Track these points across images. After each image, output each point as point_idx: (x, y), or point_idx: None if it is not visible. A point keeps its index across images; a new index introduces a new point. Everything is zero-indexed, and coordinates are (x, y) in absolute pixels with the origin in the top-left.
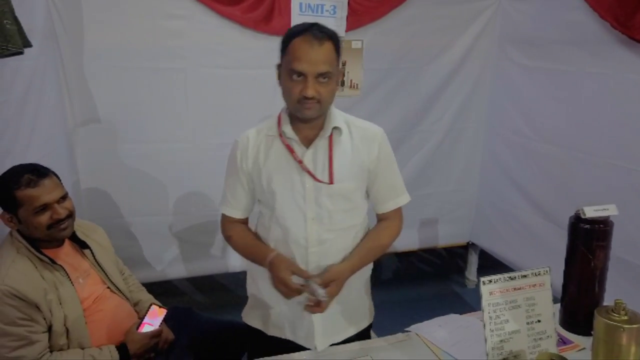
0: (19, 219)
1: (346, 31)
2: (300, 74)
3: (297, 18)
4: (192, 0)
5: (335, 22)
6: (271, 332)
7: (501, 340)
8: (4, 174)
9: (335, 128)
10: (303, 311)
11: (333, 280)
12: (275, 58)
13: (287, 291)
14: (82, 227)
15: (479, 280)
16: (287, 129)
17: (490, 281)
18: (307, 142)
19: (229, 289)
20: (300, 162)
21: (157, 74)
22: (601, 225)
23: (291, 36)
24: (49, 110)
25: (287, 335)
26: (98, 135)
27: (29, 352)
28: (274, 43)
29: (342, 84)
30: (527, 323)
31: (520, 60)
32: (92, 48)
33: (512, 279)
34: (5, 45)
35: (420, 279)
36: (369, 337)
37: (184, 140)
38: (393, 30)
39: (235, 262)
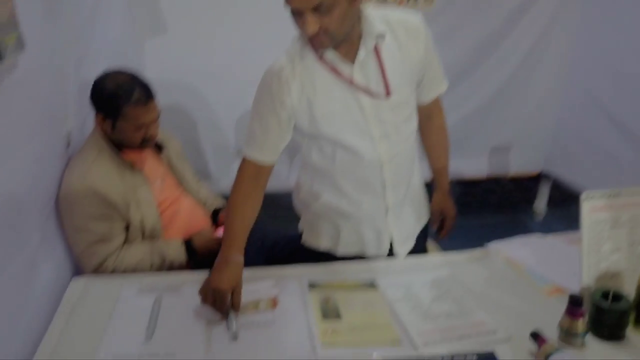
0: (115, 126)
1: None
2: (297, 13)
3: None
4: None
5: None
6: (341, 251)
7: (598, 260)
8: (110, 79)
9: (378, 35)
10: (381, 215)
11: (443, 214)
12: None
13: (218, 304)
14: (159, 132)
15: (548, 213)
16: (333, 55)
17: (593, 197)
18: (351, 58)
19: (291, 208)
20: (350, 81)
21: None
22: None
23: None
24: (118, 20)
25: (359, 249)
26: (166, 48)
27: (104, 249)
28: None
29: None
30: (629, 244)
31: None
32: None
33: (617, 195)
34: None
35: (486, 208)
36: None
37: (250, 56)
38: None
39: None
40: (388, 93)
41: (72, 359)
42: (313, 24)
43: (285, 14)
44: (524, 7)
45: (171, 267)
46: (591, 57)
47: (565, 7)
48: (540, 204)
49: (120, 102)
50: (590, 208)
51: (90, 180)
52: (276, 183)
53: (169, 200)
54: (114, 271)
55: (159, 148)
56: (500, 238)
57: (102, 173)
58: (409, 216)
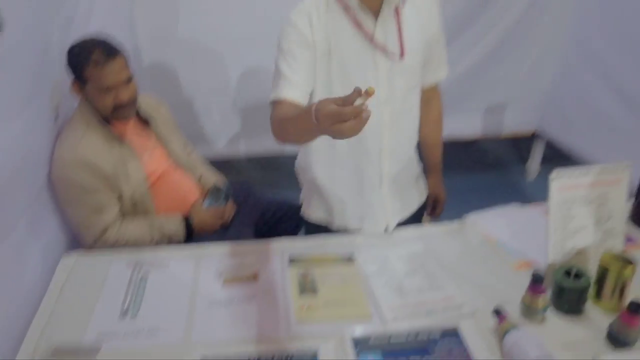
0: (87, 94)
1: None
2: None
3: None
4: None
5: None
6: (336, 225)
7: (565, 237)
8: (76, 44)
9: None
10: (375, 185)
11: (435, 202)
12: None
13: (352, 123)
14: (146, 102)
15: (541, 172)
16: (354, 1)
17: (562, 176)
18: (373, 13)
19: (286, 170)
20: (371, 38)
21: None
22: None
23: None
24: None
25: (354, 223)
26: (159, 7)
27: (101, 220)
28: None
29: None
30: (596, 221)
31: None
32: None
33: (586, 174)
34: None
35: (479, 167)
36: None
37: (246, 18)
38: None
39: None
40: (402, 54)
41: (62, 337)
42: None
43: None
44: None
45: (169, 243)
46: (589, 15)
47: None
48: (534, 164)
49: (81, 64)
50: (559, 186)
51: (81, 154)
52: (273, 145)
53: (157, 172)
54: (115, 244)
55: (146, 121)
56: (492, 199)
57: (92, 146)
58: (404, 192)
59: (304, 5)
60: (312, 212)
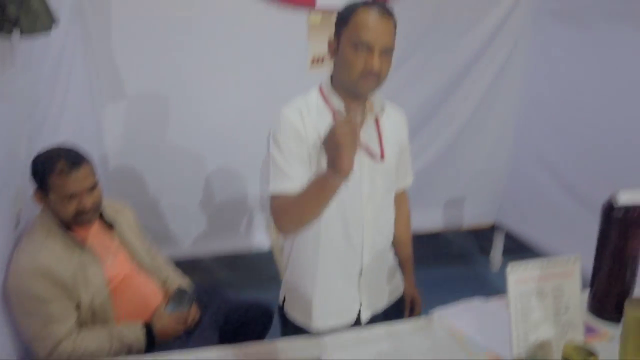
0: (49, 201)
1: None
2: (367, 45)
3: None
4: None
5: None
6: (314, 325)
7: (527, 331)
8: (42, 154)
9: (382, 107)
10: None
11: (412, 303)
12: (300, 34)
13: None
14: (110, 206)
15: (504, 263)
16: (341, 107)
17: (518, 269)
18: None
19: (253, 268)
20: None
21: (185, 50)
22: (636, 213)
23: (355, 7)
24: (78, 87)
25: (332, 321)
26: (126, 112)
27: (58, 330)
28: (300, 18)
29: None
30: (554, 313)
31: (558, 34)
32: (120, 23)
33: (540, 266)
34: (33, 24)
35: (444, 260)
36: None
37: (213, 116)
38: (421, 3)
39: (259, 241)
40: (383, 156)
41: None
42: (379, 62)
43: (241, 84)
44: (471, 65)
45: (129, 352)
46: (535, 114)
47: (510, 65)
48: (496, 255)
49: (45, 173)
50: (516, 280)
51: (39, 263)
52: (241, 243)
53: (120, 277)
54: (71, 356)
55: (109, 225)
56: (458, 291)
57: (51, 254)
58: (380, 285)
59: (296, 103)
60: (292, 311)
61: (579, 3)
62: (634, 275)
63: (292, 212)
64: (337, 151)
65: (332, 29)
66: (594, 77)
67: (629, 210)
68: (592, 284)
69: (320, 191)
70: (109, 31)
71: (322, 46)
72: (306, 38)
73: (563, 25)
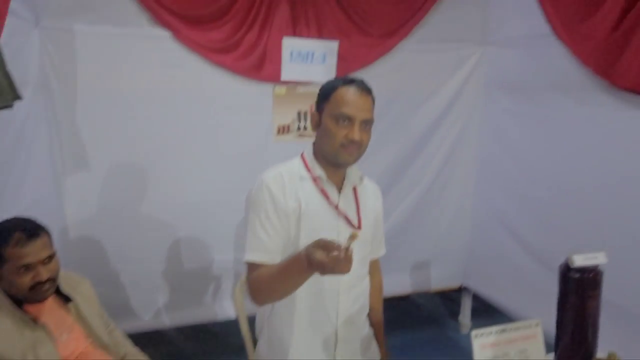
0: (2, 275)
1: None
2: (347, 118)
3: (287, 66)
4: (184, 48)
5: (325, 69)
6: None
7: None
8: None
9: (360, 177)
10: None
11: None
12: (266, 104)
13: (336, 257)
14: (67, 279)
15: (473, 325)
16: (322, 174)
17: (482, 335)
18: (337, 187)
19: (218, 338)
20: (336, 207)
21: (149, 121)
22: (591, 274)
23: (336, 85)
24: (40, 159)
25: None
26: (89, 183)
27: None
28: (265, 89)
29: None
30: None
31: (507, 105)
32: (85, 96)
33: (503, 331)
34: None
35: (415, 324)
36: None
37: (175, 186)
38: (381, 76)
39: (225, 309)
40: (360, 224)
41: None
42: (359, 133)
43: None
44: (430, 135)
45: None
46: (491, 178)
47: (466, 133)
48: (465, 317)
49: (0, 245)
50: (481, 345)
51: None
52: (204, 313)
53: (75, 354)
54: None
55: (66, 299)
56: (429, 354)
57: (0, 333)
58: (357, 355)
59: (277, 169)
60: None
61: (524, 77)
62: (595, 337)
63: (266, 287)
64: (331, 271)
65: (296, 100)
66: (540, 143)
67: (585, 271)
68: (556, 347)
69: (296, 275)
70: (74, 102)
71: (286, 116)
72: (271, 109)
73: (511, 96)
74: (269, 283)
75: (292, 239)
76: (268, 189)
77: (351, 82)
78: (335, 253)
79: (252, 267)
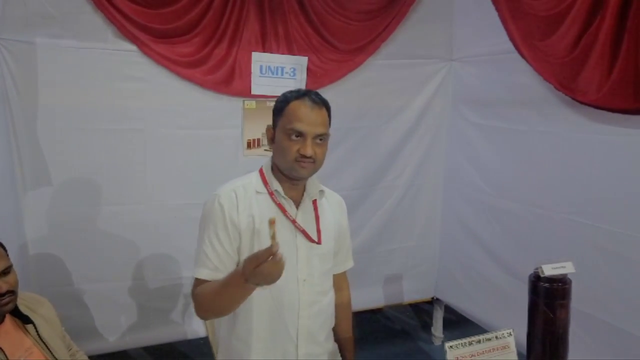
0: None
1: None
2: (299, 133)
3: (257, 80)
4: (151, 62)
5: (295, 84)
6: None
7: None
8: None
9: (320, 190)
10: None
11: None
12: (235, 118)
13: (269, 262)
14: (26, 300)
15: (445, 337)
16: (279, 188)
17: (456, 346)
18: (295, 203)
19: (188, 358)
20: (294, 221)
21: (114, 136)
22: (560, 284)
23: (289, 99)
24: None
25: None
26: (50, 199)
27: None
28: (235, 103)
29: None
30: None
31: (474, 119)
32: (47, 110)
33: (476, 342)
34: None
35: (387, 337)
36: None
37: (142, 202)
38: (351, 91)
39: (195, 327)
40: (319, 241)
41: None
42: (312, 148)
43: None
44: (399, 149)
45: None
46: (458, 191)
47: (434, 147)
48: (437, 329)
49: None
50: (455, 356)
51: None
52: (171, 332)
53: None
54: None
55: (24, 320)
56: None
57: None
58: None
59: (232, 184)
60: None
61: (490, 92)
62: (566, 346)
63: (208, 302)
64: (264, 280)
65: (266, 114)
66: (507, 156)
67: (554, 280)
68: (528, 356)
69: (235, 290)
70: (34, 118)
71: (257, 130)
72: (241, 123)
73: (477, 110)
74: (211, 298)
75: (246, 254)
76: (220, 205)
77: (304, 95)
78: (261, 250)
79: (197, 281)
